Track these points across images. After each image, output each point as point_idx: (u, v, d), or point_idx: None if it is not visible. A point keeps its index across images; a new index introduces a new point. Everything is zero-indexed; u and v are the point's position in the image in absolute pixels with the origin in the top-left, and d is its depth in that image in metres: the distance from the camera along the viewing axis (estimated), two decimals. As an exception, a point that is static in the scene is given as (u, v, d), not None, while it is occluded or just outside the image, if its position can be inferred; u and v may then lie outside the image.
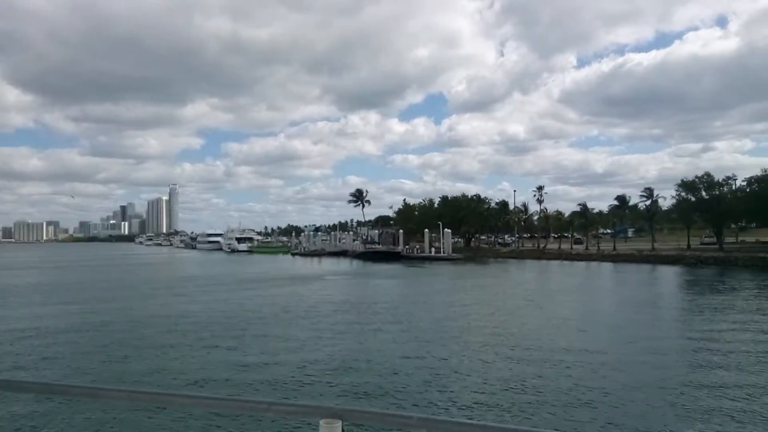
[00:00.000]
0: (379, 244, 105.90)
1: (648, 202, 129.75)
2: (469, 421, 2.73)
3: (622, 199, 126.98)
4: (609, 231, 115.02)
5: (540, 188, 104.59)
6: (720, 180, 71.96)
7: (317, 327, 25.34)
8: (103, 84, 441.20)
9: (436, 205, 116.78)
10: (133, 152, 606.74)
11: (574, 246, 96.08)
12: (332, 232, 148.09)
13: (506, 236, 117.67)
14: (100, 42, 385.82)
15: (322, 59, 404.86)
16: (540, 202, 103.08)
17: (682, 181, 75.23)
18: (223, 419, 11.62)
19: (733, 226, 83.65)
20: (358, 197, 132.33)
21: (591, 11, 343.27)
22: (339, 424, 2.37)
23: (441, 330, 24.45)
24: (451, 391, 14.99)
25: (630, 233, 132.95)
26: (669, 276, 53.87)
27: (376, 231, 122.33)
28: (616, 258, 77.91)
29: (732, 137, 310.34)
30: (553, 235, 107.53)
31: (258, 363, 18.39)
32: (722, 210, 70.64)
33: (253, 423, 11.51)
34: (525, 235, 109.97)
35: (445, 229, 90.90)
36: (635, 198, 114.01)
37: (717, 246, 76.82)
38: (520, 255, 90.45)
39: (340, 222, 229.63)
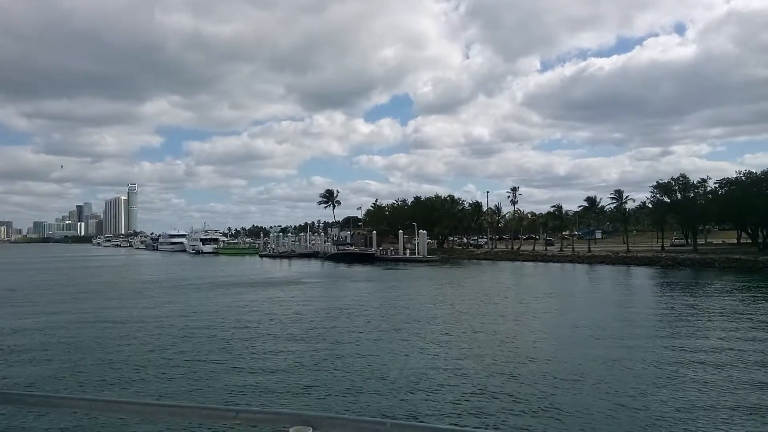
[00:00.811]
0: (351, 245, 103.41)
1: (616, 205, 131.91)
2: (441, 426, 2.52)
3: (591, 201, 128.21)
4: (576, 233, 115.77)
5: (514, 189, 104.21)
6: (695, 182, 72.12)
7: (301, 336, 23.03)
8: (59, 79, 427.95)
9: (406, 206, 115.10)
10: (90, 150, 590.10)
11: (547, 248, 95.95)
12: (300, 234, 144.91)
13: (477, 238, 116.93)
14: (57, 36, 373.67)
15: (286, 57, 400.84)
16: (514, 203, 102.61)
17: (658, 183, 75.29)
18: (189, 429, 10.87)
19: (706, 227, 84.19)
20: (329, 198, 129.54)
21: (554, 15, 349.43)
22: (310, 431, 2.30)
23: (424, 336, 22.96)
24: (429, 397, 14.54)
25: (598, 235, 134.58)
26: (647, 278, 53.19)
27: (348, 232, 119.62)
28: (591, 259, 77.51)
29: (690, 142, 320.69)
30: (521, 236, 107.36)
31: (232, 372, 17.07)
32: (697, 212, 70.79)
33: (220, 431, 10.27)
34: (495, 237, 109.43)
35: (421, 231, 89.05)
36: (603, 200, 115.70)
37: (690, 248, 77.44)
38: (495, 257, 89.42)
39: (306, 223, 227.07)
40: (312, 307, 33.30)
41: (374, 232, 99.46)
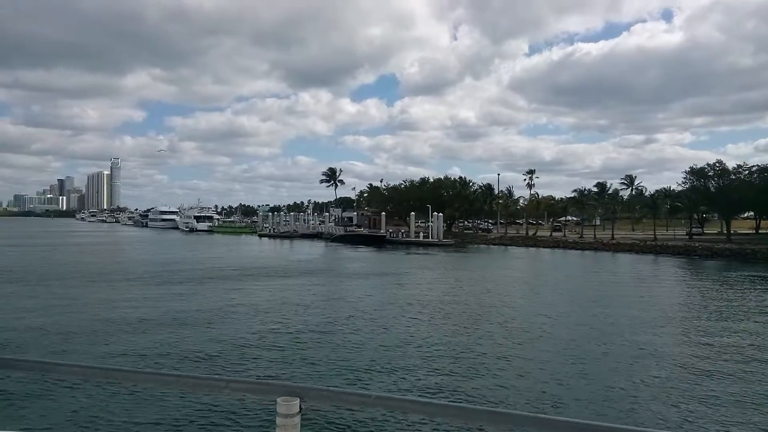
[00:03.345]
0: (359, 226, 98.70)
1: (629, 190, 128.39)
2: (424, 399, 2.64)
3: (602, 186, 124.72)
4: (572, 218, 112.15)
5: (531, 172, 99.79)
6: (733, 168, 68.30)
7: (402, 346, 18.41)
8: (34, 49, 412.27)
9: (409, 187, 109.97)
10: (70, 123, 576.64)
11: (554, 233, 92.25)
12: (301, 213, 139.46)
13: (486, 222, 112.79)
14: (31, 3, 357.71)
15: (270, 32, 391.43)
16: (530, 186, 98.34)
17: (691, 168, 71.22)
18: (180, 397, 11.36)
19: (741, 216, 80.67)
20: (331, 176, 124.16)
21: None
22: (297, 402, 2.35)
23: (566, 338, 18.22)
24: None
25: (598, 221, 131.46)
26: (699, 271, 49.25)
27: (354, 213, 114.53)
28: (617, 247, 73.66)
29: (673, 130, 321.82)
30: (531, 221, 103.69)
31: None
32: (735, 199, 67.00)
33: (211, 401, 11.27)
34: (503, 222, 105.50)
35: (437, 213, 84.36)
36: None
37: (709, 236, 75.00)
38: (511, 242, 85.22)
39: (296, 202, 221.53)
40: (382, 299, 28.71)
41: (383, 213, 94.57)
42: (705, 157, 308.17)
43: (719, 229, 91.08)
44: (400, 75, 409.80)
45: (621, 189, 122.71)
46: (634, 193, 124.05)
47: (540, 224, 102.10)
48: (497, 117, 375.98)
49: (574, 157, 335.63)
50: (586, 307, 27.34)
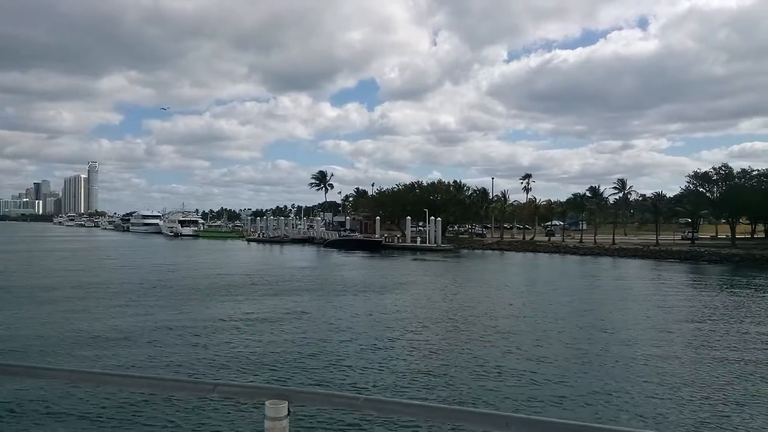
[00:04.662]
0: (353, 231, 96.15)
1: (620, 195, 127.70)
2: (413, 402, 2.69)
3: (594, 191, 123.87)
4: (558, 223, 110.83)
5: (528, 176, 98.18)
6: (737, 172, 67.24)
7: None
8: (9, 50, 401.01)
9: (398, 192, 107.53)
10: (46, 126, 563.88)
11: (551, 239, 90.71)
12: (283, 217, 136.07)
13: (478, 226, 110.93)
14: (7, 3, 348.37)
15: (250, 35, 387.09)
16: (527, 190, 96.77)
17: (695, 172, 70.15)
18: (168, 400, 11.36)
19: (746, 221, 79.70)
20: (321, 180, 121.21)
21: (520, 4, 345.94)
22: (285, 404, 2.34)
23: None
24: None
25: (584, 226, 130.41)
26: (716, 277, 47.79)
27: (347, 217, 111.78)
28: (621, 252, 72.24)
29: (649, 136, 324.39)
30: (517, 226, 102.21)
31: None
32: (738, 204, 65.96)
33: (199, 404, 11.27)
34: (496, 226, 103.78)
35: (435, 218, 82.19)
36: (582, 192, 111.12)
37: (691, 241, 74.39)
38: (509, 247, 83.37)
39: (278, 206, 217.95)
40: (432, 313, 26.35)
41: (377, 217, 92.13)
42: (681, 163, 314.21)
43: (713, 234, 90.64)
44: (380, 80, 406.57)
45: (612, 194, 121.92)
46: (627, 198, 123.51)
47: (527, 228, 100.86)
48: (476, 122, 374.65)
49: (552, 162, 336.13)
50: (628, 327, 25.31)
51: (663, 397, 13.63)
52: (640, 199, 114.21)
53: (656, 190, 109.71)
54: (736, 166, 71.62)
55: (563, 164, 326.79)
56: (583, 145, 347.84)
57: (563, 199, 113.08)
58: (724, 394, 13.88)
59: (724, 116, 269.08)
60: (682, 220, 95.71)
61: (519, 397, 13.29)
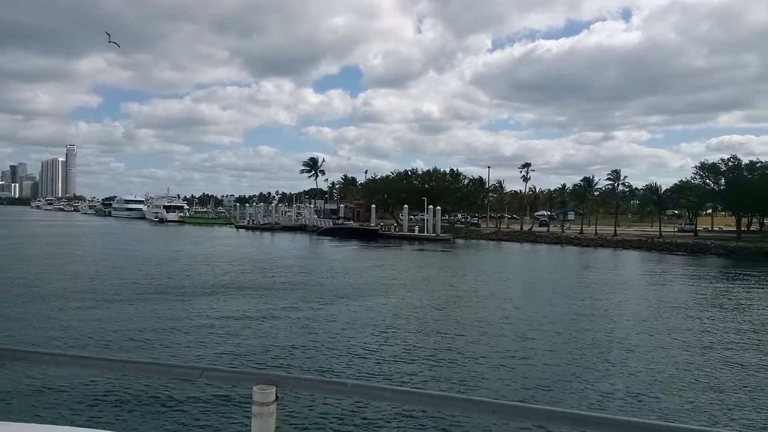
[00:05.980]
0: (348, 219, 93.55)
1: (615, 184, 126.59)
2: (401, 388, 2.65)
3: (588, 181, 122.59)
4: (548, 212, 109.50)
5: (526, 165, 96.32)
6: (746, 163, 65.89)
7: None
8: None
9: (393, 179, 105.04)
10: (22, 107, 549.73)
11: (539, 228, 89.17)
12: (277, 204, 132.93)
13: (474, 215, 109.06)
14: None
15: (231, 18, 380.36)
16: (526, 180, 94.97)
17: (702, 163, 68.70)
18: (155, 385, 11.23)
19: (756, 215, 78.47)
20: (313, 166, 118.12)
21: None
22: (273, 390, 2.35)
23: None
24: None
25: (572, 216, 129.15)
26: (713, 268, 46.14)
27: (342, 205, 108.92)
28: (622, 244, 70.74)
29: (630, 128, 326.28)
30: (509, 216, 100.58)
31: None
32: (747, 196, 64.64)
33: (186, 388, 11.07)
34: (492, 216, 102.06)
35: (434, 206, 79.85)
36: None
37: (692, 233, 73.40)
38: (509, 237, 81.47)
39: (262, 193, 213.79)
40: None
41: (373, 205, 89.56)
42: (661, 155, 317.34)
43: (708, 225, 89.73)
44: (364, 66, 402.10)
45: (606, 184, 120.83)
46: (621, 188, 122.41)
47: (515, 218, 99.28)
48: (459, 111, 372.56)
49: (534, 152, 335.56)
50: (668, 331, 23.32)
51: (651, 382, 13.79)
52: (627, 190, 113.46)
53: (637, 183, 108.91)
54: (716, 158, 70.22)
55: (545, 155, 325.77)
56: (565, 135, 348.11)
57: (545, 189, 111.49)
58: (718, 381, 13.87)
59: (704, 109, 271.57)
60: (670, 212, 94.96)
61: (509, 385, 13.41)
